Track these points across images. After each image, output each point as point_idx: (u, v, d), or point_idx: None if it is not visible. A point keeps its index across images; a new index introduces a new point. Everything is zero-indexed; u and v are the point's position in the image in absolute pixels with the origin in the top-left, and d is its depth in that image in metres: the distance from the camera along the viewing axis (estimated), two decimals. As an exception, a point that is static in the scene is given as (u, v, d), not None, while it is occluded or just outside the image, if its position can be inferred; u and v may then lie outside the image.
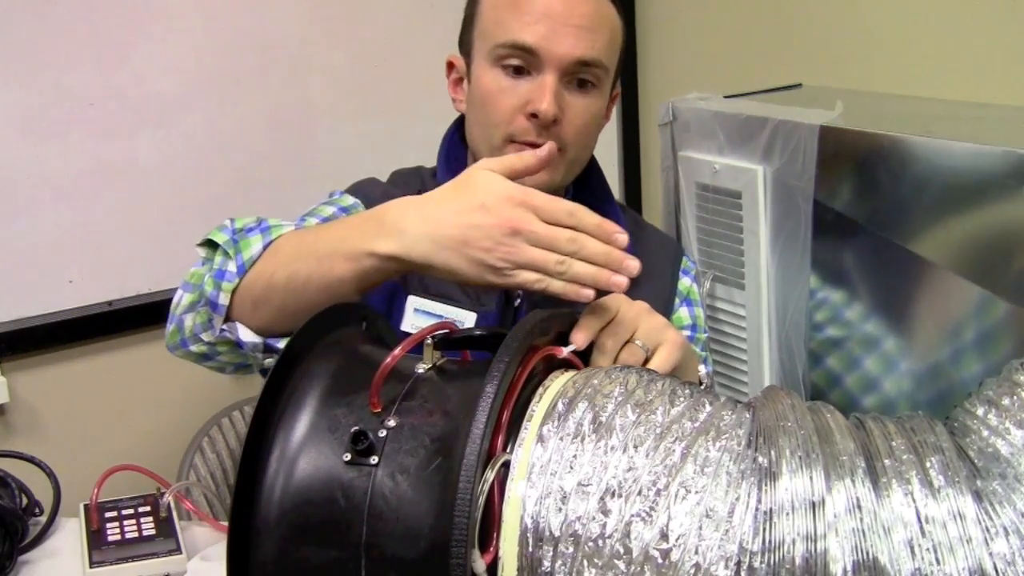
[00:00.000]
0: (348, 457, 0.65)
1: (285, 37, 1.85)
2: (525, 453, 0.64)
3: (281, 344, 1.02)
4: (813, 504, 0.60)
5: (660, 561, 0.59)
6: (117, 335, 1.79)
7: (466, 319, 1.13)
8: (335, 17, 1.89)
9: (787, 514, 0.59)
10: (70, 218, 1.70)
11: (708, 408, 0.66)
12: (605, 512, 0.61)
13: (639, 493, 0.61)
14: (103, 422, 1.81)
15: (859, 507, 0.60)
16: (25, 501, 1.18)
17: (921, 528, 0.59)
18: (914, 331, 1.24)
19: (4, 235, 1.65)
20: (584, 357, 0.84)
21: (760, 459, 0.62)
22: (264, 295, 0.99)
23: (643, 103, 2.23)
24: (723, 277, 1.49)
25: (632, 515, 0.60)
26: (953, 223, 1.17)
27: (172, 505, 1.19)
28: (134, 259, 1.76)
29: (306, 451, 0.66)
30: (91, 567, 1.10)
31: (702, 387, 0.72)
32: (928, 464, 0.62)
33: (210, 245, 1.06)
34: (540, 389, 0.69)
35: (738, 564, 0.59)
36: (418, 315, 1.14)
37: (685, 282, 1.27)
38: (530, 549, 0.61)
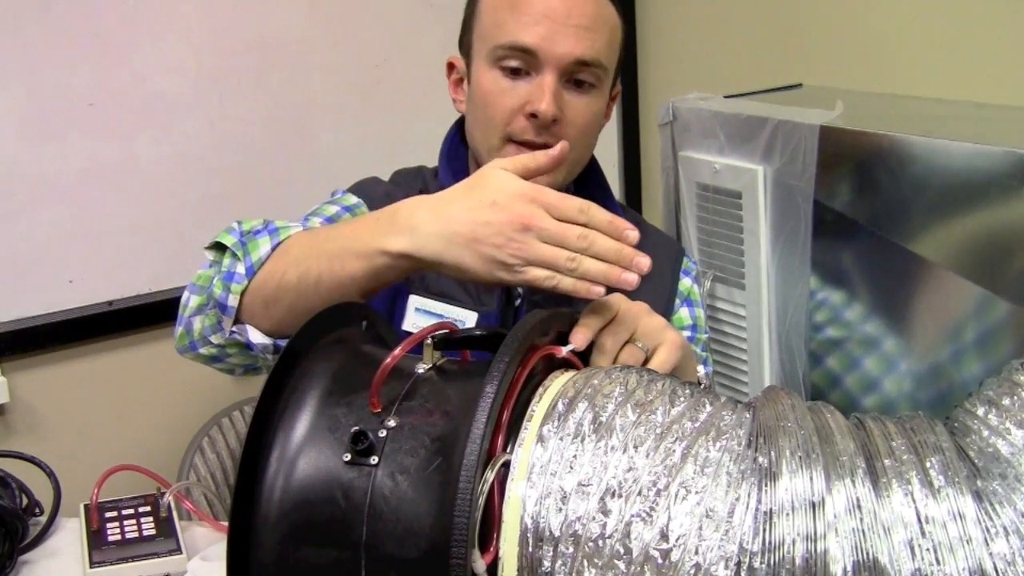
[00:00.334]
0: (348, 457, 0.65)
1: (285, 37, 1.85)
2: (525, 453, 0.64)
3: None
4: (813, 504, 0.60)
5: (660, 561, 0.59)
6: (117, 335, 1.79)
7: (467, 318, 1.13)
8: (335, 17, 1.89)
9: (787, 514, 0.59)
10: (70, 218, 1.70)
11: (708, 408, 0.66)
12: (605, 512, 0.61)
13: (639, 493, 0.61)
14: (103, 422, 1.81)
15: (859, 507, 0.60)
16: (25, 501, 1.18)
17: (921, 528, 0.59)
18: (914, 331, 1.24)
19: (4, 235, 1.65)
20: (584, 357, 0.84)
21: (760, 459, 0.62)
22: (275, 295, 0.99)
23: (643, 103, 2.23)
24: (723, 277, 1.49)
25: (632, 515, 0.60)
26: (953, 223, 1.17)
27: (172, 505, 1.19)
28: (134, 259, 1.76)
29: (306, 451, 0.66)
30: (91, 567, 1.10)
31: (701, 387, 0.72)
32: (928, 464, 0.62)
33: (218, 248, 1.06)
34: (540, 389, 0.69)
35: (738, 564, 0.59)
36: (419, 314, 1.14)
37: (686, 282, 1.27)
38: (530, 549, 0.61)
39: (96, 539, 1.14)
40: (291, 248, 1.01)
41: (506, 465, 0.63)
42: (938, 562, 0.58)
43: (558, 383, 0.70)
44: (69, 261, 1.71)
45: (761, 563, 0.58)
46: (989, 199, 1.12)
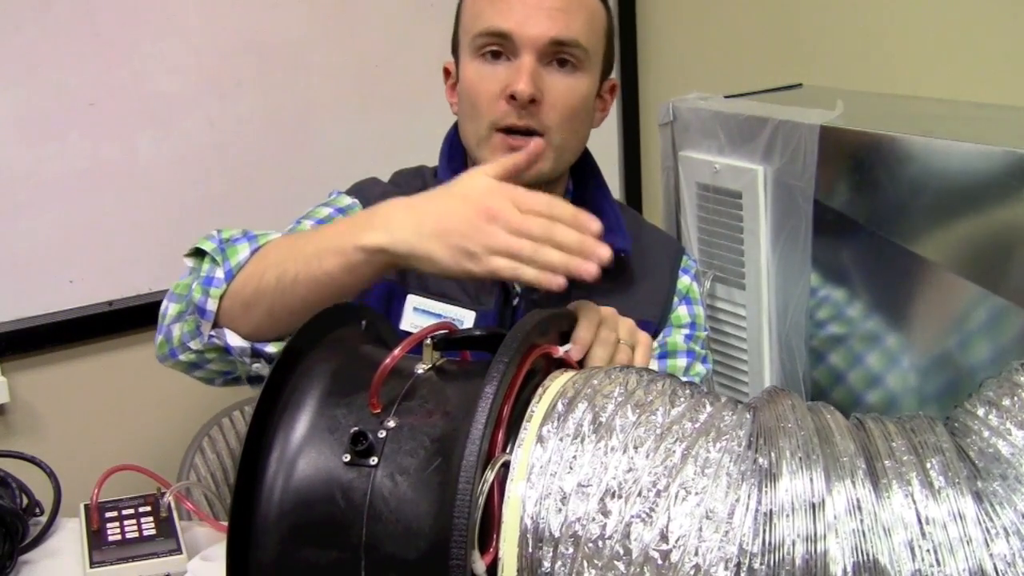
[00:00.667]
0: (348, 458, 0.65)
1: (285, 37, 1.85)
2: (525, 454, 0.64)
3: (269, 348, 1.03)
4: (813, 505, 0.60)
5: (660, 562, 0.59)
6: (117, 335, 1.79)
7: (465, 318, 1.14)
8: (335, 17, 1.89)
9: (787, 515, 0.59)
10: (70, 218, 1.69)
11: (708, 409, 0.66)
12: (605, 513, 0.61)
13: (639, 494, 0.61)
14: (103, 422, 1.81)
15: (859, 508, 0.60)
16: (25, 501, 1.18)
17: (921, 529, 0.59)
18: (914, 331, 1.24)
19: (4, 235, 1.65)
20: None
21: (760, 460, 0.62)
22: (254, 298, 1.00)
23: (643, 103, 2.23)
24: (723, 277, 1.49)
25: (632, 516, 0.60)
26: (953, 223, 1.17)
27: (172, 505, 1.19)
28: (134, 259, 1.76)
29: (306, 452, 0.66)
30: (91, 567, 1.10)
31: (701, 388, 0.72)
32: (928, 465, 0.62)
33: (197, 255, 1.08)
34: (540, 389, 0.69)
35: (738, 565, 0.59)
36: (417, 314, 1.15)
37: (685, 280, 1.27)
38: (530, 550, 0.61)
39: (96, 539, 1.14)
40: (270, 252, 1.03)
41: (506, 465, 0.63)
42: (938, 563, 0.58)
43: (558, 383, 0.70)
44: (69, 261, 1.71)
45: (761, 564, 0.58)
46: (989, 199, 1.12)
